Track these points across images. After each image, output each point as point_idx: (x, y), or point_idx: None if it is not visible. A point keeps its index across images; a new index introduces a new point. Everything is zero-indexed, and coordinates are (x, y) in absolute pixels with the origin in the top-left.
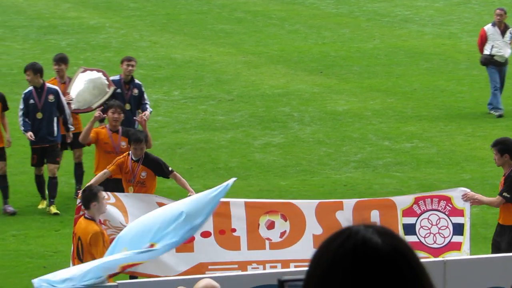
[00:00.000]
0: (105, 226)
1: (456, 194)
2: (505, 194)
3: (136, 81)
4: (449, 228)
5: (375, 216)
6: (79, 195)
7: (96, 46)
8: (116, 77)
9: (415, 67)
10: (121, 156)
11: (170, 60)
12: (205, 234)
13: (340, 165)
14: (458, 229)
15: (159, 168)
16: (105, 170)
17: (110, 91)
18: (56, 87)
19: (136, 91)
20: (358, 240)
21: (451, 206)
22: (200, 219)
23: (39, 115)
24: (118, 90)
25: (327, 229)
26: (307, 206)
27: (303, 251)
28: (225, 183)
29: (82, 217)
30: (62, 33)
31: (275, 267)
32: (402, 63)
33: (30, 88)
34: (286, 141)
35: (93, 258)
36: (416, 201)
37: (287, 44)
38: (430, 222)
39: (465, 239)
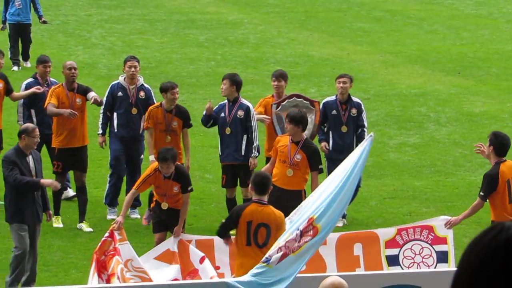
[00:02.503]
0: (126, 268)
1: (438, 223)
2: (480, 193)
3: (355, 99)
4: (432, 257)
5: (358, 249)
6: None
7: (234, 42)
8: (332, 98)
9: None
10: (150, 172)
11: (308, 57)
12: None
13: (476, 167)
14: (442, 257)
15: (185, 185)
16: (133, 191)
17: (315, 109)
18: (249, 104)
19: (354, 111)
20: (510, 234)
21: (433, 235)
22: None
23: (228, 131)
24: (334, 112)
25: (311, 265)
26: None
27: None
28: (366, 141)
29: (253, 204)
30: (200, 27)
31: None
32: None
33: (224, 102)
34: (422, 141)
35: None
36: (399, 232)
37: (425, 44)
38: (413, 252)
39: (450, 267)
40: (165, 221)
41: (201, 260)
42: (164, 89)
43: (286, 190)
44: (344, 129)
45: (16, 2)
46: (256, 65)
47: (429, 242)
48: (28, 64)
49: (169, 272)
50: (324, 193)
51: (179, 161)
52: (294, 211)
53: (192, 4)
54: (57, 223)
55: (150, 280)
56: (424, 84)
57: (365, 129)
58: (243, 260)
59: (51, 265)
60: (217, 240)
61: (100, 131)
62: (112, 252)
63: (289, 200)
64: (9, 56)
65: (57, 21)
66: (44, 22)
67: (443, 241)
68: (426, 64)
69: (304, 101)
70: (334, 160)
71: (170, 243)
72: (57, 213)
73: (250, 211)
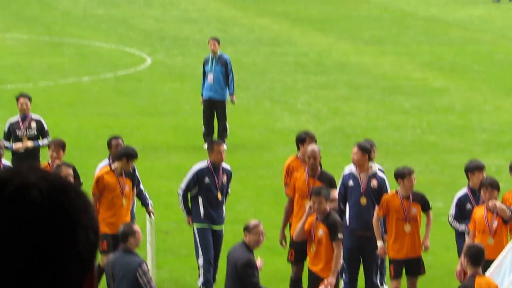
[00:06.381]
0: None
1: None
2: None
3: None
4: None
5: None
6: None
7: (439, 109)
8: None
9: None
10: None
11: None
12: None
13: None
14: None
15: (333, 231)
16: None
17: None
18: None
19: None
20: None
21: None
22: None
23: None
24: None
25: None
26: None
27: None
28: None
29: (477, 277)
30: (406, 94)
31: None
32: None
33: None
34: None
35: None
36: None
37: None
38: None
39: None
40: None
41: None
42: (400, 175)
43: (490, 260)
44: None
45: (209, 77)
46: (462, 133)
47: None
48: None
49: None
50: None
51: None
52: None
53: (398, 70)
54: None
55: None
56: None
57: None
58: None
59: None
60: None
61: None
62: None
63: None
64: (203, 132)
65: (263, 87)
66: (232, 101)
67: None
68: None
69: None
70: None
71: None
72: None
73: (479, 284)
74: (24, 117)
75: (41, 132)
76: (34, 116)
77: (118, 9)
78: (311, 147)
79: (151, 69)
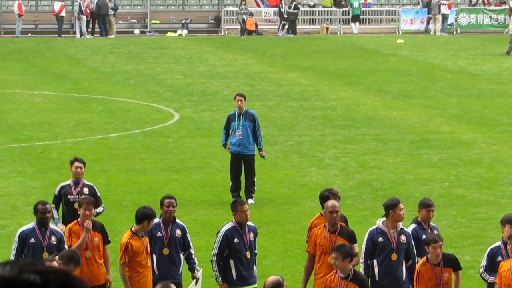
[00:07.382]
0: None
1: None
2: None
3: None
4: None
5: None
6: None
7: (467, 162)
8: None
9: None
10: (330, 274)
11: None
12: None
13: None
14: None
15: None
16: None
17: None
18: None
19: None
20: None
21: None
22: None
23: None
24: None
25: None
26: None
27: None
28: None
29: None
30: (434, 147)
31: None
32: None
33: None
34: None
35: None
36: None
37: None
38: None
39: None
40: None
41: None
42: (428, 243)
43: None
44: None
45: (237, 132)
46: (490, 186)
47: None
48: (252, 202)
49: None
50: None
51: None
52: None
53: (426, 123)
54: None
55: None
56: None
57: None
58: None
59: None
60: None
61: None
62: None
63: None
64: (230, 188)
65: (291, 141)
66: (262, 156)
67: None
68: None
69: None
70: None
71: None
72: None
73: None
74: (77, 182)
75: (94, 198)
76: (87, 181)
77: (146, 65)
78: (332, 202)
79: (179, 125)
